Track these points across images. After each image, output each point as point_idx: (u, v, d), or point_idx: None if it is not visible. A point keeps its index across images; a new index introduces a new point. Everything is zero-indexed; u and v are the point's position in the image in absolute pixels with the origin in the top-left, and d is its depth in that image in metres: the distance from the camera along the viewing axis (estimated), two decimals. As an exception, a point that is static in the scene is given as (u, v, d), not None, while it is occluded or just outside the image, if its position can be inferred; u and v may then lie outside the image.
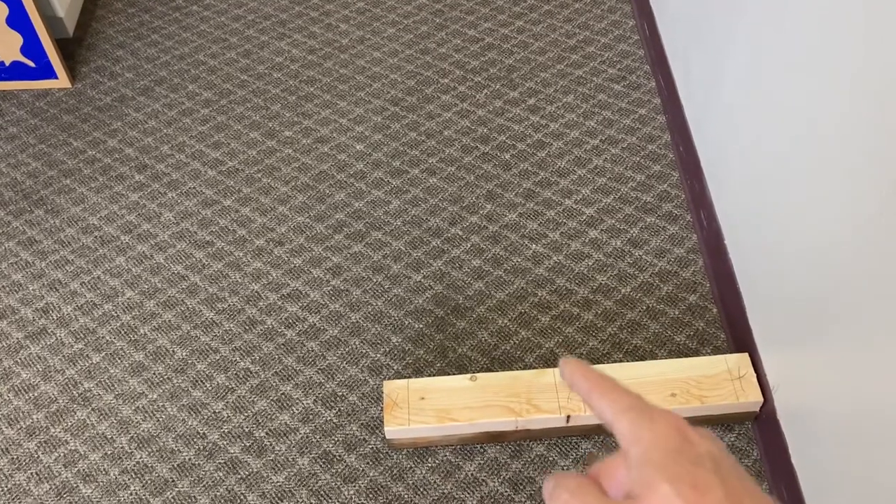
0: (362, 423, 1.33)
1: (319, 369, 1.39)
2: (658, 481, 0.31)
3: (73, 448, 1.31)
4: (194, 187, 1.66)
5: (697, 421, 1.29)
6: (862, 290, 0.95)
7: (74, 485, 1.27)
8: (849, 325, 0.99)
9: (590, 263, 1.51)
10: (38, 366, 1.42)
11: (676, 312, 1.44)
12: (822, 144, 1.04)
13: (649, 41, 1.83)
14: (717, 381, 1.28)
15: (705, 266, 1.49)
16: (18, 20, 1.73)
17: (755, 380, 1.27)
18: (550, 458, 1.28)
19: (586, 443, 1.29)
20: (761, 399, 1.26)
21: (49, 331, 1.46)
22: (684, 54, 1.62)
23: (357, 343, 1.42)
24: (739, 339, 1.35)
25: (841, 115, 0.98)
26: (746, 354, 1.30)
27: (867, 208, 0.93)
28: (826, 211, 1.04)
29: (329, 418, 1.34)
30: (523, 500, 1.24)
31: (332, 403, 1.35)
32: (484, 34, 1.94)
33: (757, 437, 1.29)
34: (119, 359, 1.42)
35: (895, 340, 0.88)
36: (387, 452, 1.30)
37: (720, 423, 1.30)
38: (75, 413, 1.36)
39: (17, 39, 1.77)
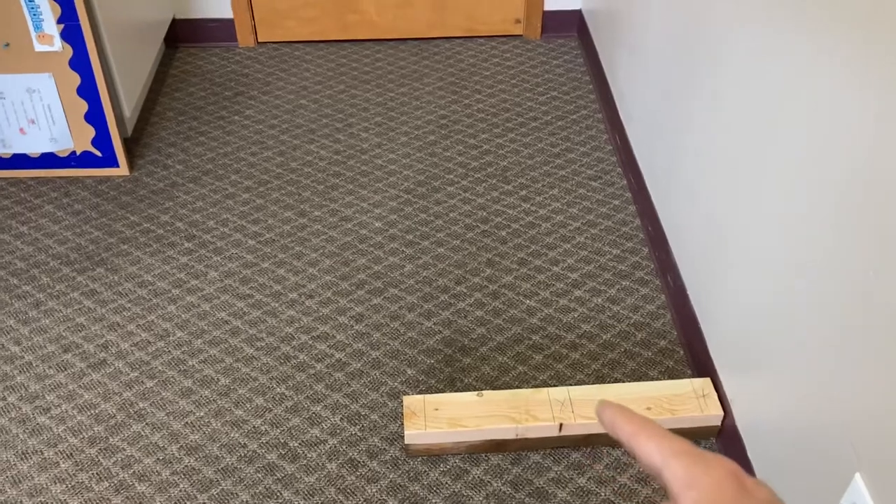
0: (383, 437, 1.54)
1: (345, 394, 1.61)
2: None
3: (129, 454, 1.50)
4: (236, 253, 1.94)
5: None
6: (797, 325, 1.24)
7: (130, 483, 1.46)
8: (787, 353, 1.26)
9: (575, 315, 1.77)
10: (98, 389, 1.62)
11: (649, 354, 1.69)
12: (763, 203, 1.36)
13: (620, 148, 2.19)
14: (685, 398, 1.52)
15: (673, 318, 1.76)
16: (95, 116, 2.06)
17: (716, 397, 1.52)
18: (545, 465, 1.49)
19: (576, 453, 1.50)
20: (722, 412, 1.49)
21: (108, 362, 1.68)
22: (649, 153, 1.97)
23: (377, 374, 1.65)
24: (703, 372, 1.60)
25: (778, 174, 1.31)
26: (709, 378, 1.55)
27: (798, 260, 1.23)
28: (766, 262, 1.34)
29: (354, 433, 1.54)
30: (523, 497, 1.44)
31: (357, 421, 1.57)
32: (482, 143, 2.30)
33: (720, 447, 1.51)
34: (170, 385, 1.63)
35: (822, 361, 1.16)
36: (404, 459, 1.50)
37: (689, 435, 1.53)
38: (131, 426, 1.56)
39: (90, 132, 2.09)
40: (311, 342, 1.72)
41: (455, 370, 1.66)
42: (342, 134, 2.34)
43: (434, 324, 1.76)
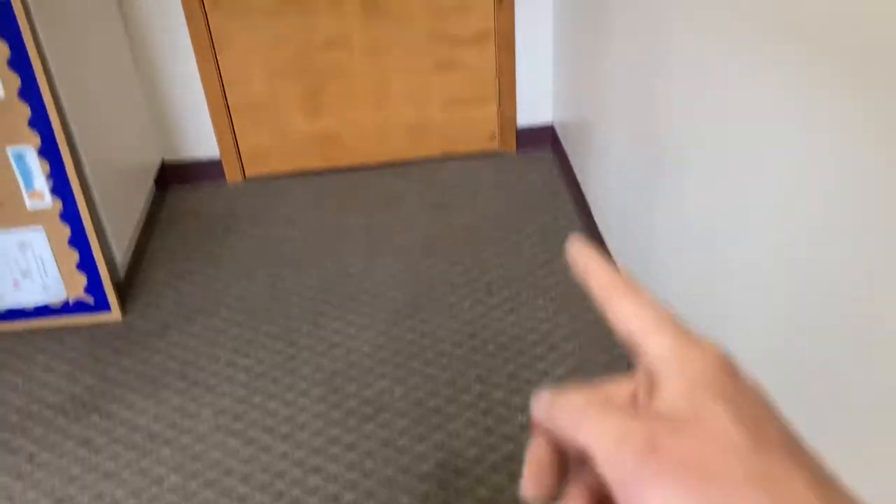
0: (380, 571, 1.51)
1: (341, 528, 1.60)
2: (712, 402, 0.27)
3: None
4: (228, 389, 1.95)
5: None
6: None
7: None
8: None
9: (568, 426, 1.77)
10: (92, 542, 1.61)
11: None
12: (733, 308, 1.39)
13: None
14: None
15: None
16: (87, 264, 2.13)
17: None
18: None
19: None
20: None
21: (102, 512, 1.67)
22: (626, 260, 2.02)
23: (372, 504, 1.64)
24: None
25: (748, 279, 1.35)
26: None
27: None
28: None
29: (351, 568, 1.52)
30: None
31: (353, 555, 1.54)
32: (465, 258, 2.36)
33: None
34: (164, 531, 1.62)
35: None
36: None
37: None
38: (125, 579, 1.53)
39: (82, 280, 2.15)
40: (304, 476, 1.71)
41: (450, 494, 1.65)
42: (329, 260, 2.40)
43: (427, 447, 1.75)
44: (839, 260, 0.99)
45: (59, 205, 2.04)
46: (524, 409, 1.82)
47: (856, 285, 0.95)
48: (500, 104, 2.79)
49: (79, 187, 2.02)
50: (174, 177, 2.83)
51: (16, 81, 1.89)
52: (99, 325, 2.21)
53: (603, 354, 1.96)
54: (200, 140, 2.78)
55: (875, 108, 0.89)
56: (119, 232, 2.27)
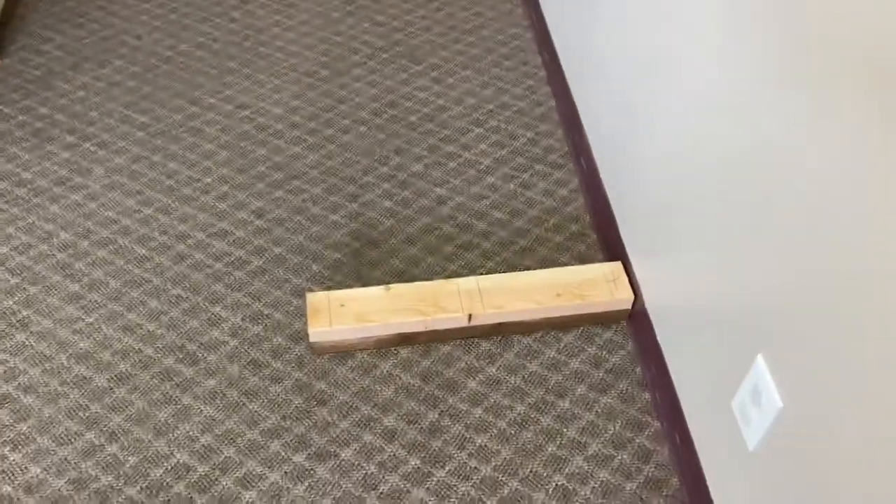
0: (287, 335, 1.48)
1: (246, 293, 1.54)
2: None
3: (12, 366, 1.41)
4: (124, 146, 1.79)
5: (579, 318, 1.49)
6: (704, 209, 1.19)
7: (15, 396, 1.37)
8: (695, 236, 1.22)
9: (487, 203, 1.71)
10: (-25, 298, 1.50)
11: (561, 239, 1.65)
12: (671, 83, 1.29)
13: (536, 24, 2.08)
14: (595, 283, 1.49)
15: (585, 202, 1.72)
16: (-50, -5, 1.83)
17: (626, 281, 1.49)
18: (455, 356, 1.45)
19: (486, 342, 1.48)
20: (632, 296, 1.48)
21: (-15, 269, 1.55)
22: (564, 29, 1.87)
23: (280, 271, 1.57)
24: (614, 256, 1.57)
25: (687, 56, 1.23)
26: (619, 262, 1.52)
27: (712, 129, 1.17)
28: (674, 145, 1.28)
29: (256, 332, 1.48)
30: (433, 389, 1.41)
31: (259, 320, 1.50)
32: (390, 20, 2.16)
33: (630, 331, 1.50)
34: (55, 290, 1.52)
35: (727, 246, 1.12)
36: (310, 357, 1.44)
37: (599, 321, 1.51)
38: (14, 336, 1.45)
39: (-53, 14, 1.87)
40: (208, 240, 1.62)
41: (362, 264, 1.59)
42: (237, 12, 2.16)
43: (340, 217, 1.67)
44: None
45: None
46: (443, 183, 1.74)
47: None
48: None
49: None
50: None
51: None
52: (-28, 69, 1.96)
53: (527, 131, 1.87)
54: None
55: None
56: (-12, -40, 1.96)
